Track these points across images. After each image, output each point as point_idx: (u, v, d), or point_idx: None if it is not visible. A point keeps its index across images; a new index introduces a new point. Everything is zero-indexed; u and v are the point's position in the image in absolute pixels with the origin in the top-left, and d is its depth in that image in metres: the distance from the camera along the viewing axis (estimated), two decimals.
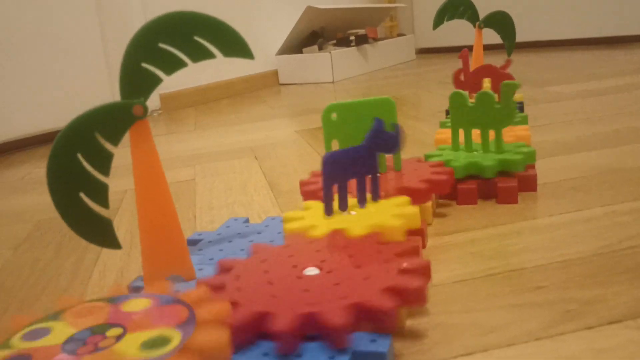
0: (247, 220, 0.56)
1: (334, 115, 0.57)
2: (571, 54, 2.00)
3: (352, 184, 0.51)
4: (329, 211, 0.48)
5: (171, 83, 1.71)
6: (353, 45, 2.12)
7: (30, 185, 0.96)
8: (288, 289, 0.36)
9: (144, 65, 0.39)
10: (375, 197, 0.50)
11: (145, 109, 0.39)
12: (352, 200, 0.50)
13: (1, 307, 0.49)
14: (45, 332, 0.31)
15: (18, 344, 0.30)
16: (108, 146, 0.38)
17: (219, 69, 1.86)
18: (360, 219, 0.47)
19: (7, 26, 1.23)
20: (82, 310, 0.32)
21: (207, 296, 0.32)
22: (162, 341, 0.28)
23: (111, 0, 1.45)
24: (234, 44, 0.40)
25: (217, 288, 0.37)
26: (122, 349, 0.28)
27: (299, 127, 1.19)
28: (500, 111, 0.61)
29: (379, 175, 0.50)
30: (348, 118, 0.57)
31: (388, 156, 0.61)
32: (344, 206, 0.49)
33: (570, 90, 1.27)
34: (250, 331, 0.33)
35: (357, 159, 0.48)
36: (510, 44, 0.90)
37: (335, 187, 0.48)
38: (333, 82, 1.98)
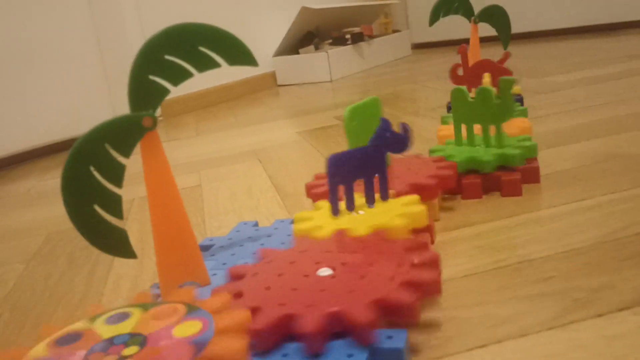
0: (256, 224, 0.57)
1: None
2: (565, 43, 2.01)
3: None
4: (335, 211, 0.49)
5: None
6: (349, 44, 2.12)
7: (35, 198, 0.97)
8: (307, 290, 0.37)
9: (152, 77, 0.39)
10: (384, 196, 0.50)
11: (155, 120, 0.40)
12: (359, 200, 0.51)
13: (18, 324, 0.50)
14: (77, 336, 0.32)
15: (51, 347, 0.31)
16: (120, 158, 0.39)
17: (216, 73, 1.86)
18: (370, 218, 0.47)
19: (5, 41, 1.24)
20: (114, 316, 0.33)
21: (227, 304, 0.33)
22: None
23: (106, 13, 1.46)
24: (238, 53, 0.41)
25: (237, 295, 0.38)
26: None
27: (299, 128, 1.20)
28: (499, 106, 0.62)
29: (387, 174, 0.50)
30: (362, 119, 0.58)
31: None
32: (351, 206, 0.49)
33: (567, 79, 1.28)
34: (276, 334, 0.34)
35: (364, 160, 0.48)
36: (505, 37, 0.91)
37: (342, 188, 0.49)
38: (331, 81, 1.98)
